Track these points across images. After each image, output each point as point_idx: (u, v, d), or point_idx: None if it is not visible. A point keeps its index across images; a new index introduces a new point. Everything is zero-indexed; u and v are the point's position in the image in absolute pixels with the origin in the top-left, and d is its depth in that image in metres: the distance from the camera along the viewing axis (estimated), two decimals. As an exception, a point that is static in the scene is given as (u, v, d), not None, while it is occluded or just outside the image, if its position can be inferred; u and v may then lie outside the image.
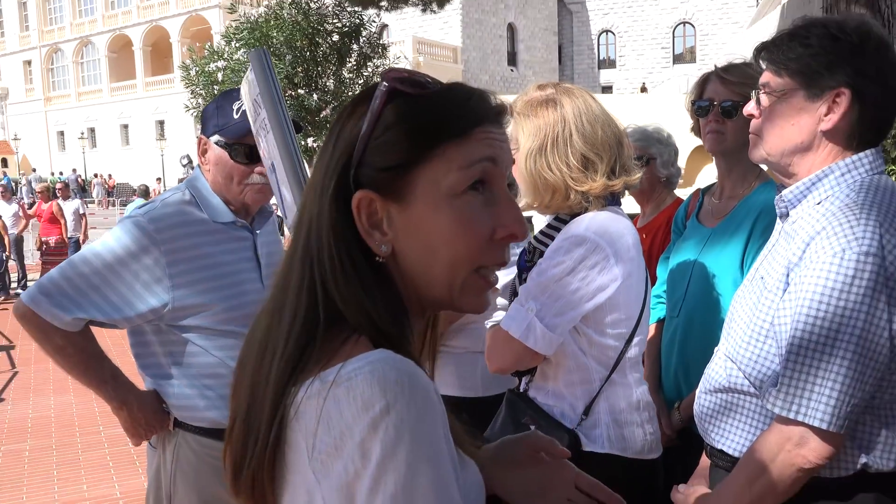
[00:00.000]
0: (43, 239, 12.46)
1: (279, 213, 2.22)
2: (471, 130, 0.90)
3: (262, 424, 0.86)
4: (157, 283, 2.01)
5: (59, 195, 13.40)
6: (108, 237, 2.05)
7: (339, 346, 0.86)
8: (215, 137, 2.16)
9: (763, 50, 1.63)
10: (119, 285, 2.00)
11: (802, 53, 1.54)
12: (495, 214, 0.91)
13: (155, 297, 2.02)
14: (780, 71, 1.58)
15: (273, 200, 2.15)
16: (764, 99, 1.62)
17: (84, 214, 13.34)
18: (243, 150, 2.12)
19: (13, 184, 43.77)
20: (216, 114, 2.18)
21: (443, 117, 0.90)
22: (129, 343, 2.19)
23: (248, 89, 2.01)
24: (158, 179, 38.55)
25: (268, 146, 1.97)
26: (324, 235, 0.90)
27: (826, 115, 1.53)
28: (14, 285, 13.21)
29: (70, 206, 13.17)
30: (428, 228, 0.89)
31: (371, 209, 0.90)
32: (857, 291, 1.41)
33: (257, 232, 2.23)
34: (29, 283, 12.88)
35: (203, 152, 2.20)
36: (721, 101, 2.37)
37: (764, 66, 1.63)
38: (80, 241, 12.90)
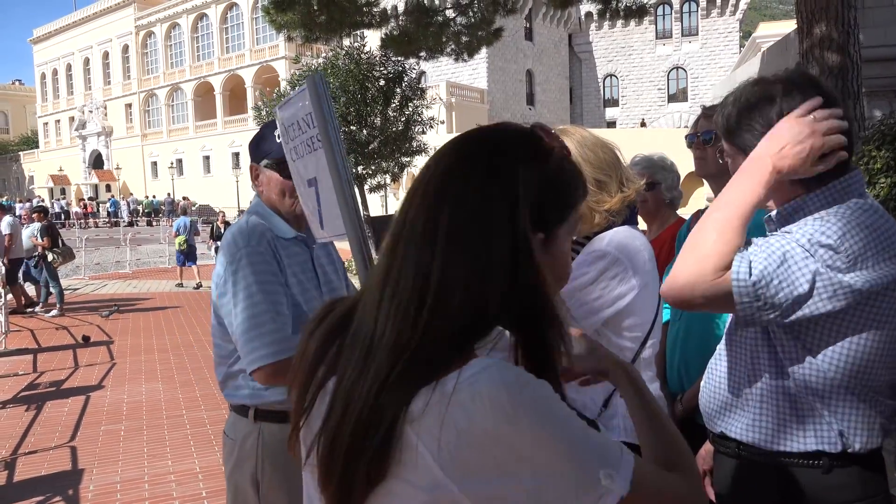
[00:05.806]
0: None
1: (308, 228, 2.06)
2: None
3: (375, 425, 0.79)
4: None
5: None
6: (243, 274, 1.91)
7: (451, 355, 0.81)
8: (265, 161, 2.09)
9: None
10: (280, 297, 1.92)
11: (719, 117, 1.64)
12: None
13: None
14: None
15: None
16: None
17: (10, 235, 10.81)
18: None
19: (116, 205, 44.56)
20: (261, 143, 2.11)
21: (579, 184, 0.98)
22: (213, 352, 2.08)
23: (293, 112, 1.92)
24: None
25: (308, 164, 1.90)
26: (504, 251, 0.84)
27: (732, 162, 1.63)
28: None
29: None
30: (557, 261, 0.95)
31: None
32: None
33: (313, 247, 2.13)
34: None
35: (255, 177, 2.12)
36: (702, 132, 2.33)
37: None
38: None
